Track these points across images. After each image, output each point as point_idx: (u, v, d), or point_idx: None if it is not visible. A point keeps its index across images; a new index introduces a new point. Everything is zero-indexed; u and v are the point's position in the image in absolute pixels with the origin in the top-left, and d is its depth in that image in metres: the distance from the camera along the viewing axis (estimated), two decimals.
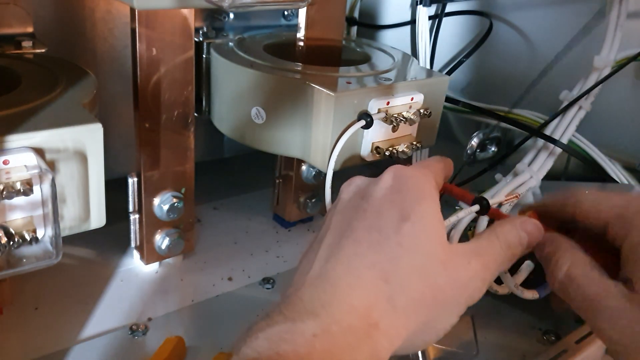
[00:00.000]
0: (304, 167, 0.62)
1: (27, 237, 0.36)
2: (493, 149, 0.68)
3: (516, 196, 0.38)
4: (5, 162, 0.35)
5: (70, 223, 0.40)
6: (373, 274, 0.28)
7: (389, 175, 0.33)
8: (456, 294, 0.30)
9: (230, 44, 0.57)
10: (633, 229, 0.30)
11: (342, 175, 0.42)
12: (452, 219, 0.36)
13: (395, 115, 0.48)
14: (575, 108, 0.56)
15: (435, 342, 0.31)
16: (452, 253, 0.30)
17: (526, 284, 0.49)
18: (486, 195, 0.53)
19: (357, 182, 0.34)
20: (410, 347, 0.31)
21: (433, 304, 0.29)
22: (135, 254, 0.56)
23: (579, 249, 0.32)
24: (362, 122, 0.47)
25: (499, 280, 0.49)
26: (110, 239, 0.58)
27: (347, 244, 0.30)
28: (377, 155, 0.50)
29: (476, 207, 0.36)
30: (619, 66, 0.55)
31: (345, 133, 0.47)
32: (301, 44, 0.59)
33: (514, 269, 0.49)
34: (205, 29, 0.59)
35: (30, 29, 0.52)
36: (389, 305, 0.28)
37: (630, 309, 0.29)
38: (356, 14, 0.75)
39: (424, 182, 0.32)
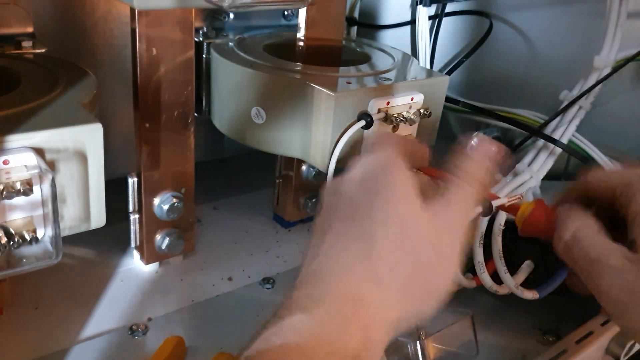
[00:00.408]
0: (304, 167, 0.62)
1: (27, 237, 0.36)
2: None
3: (518, 197, 0.38)
4: (5, 162, 0.35)
5: (70, 223, 0.40)
6: (355, 257, 0.29)
7: (353, 165, 0.34)
8: (438, 249, 0.30)
9: (230, 44, 0.57)
10: (637, 193, 0.32)
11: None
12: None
13: (395, 115, 0.48)
14: (575, 108, 0.56)
15: (441, 303, 0.31)
16: (426, 212, 0.31)
17: (526, 284, 0.49)
18: None
19: (329, 184, 0.35)
20: (414, 316, 0.31)
21: (419, 268, 0.29)
22: (135, 254, 0.56)
23: (590, 216, 0.33)
24: (362, 122, 0.47)
25: (499, 280, 0.49)
26: (110, 239, 0.58)
27: (328, 239, 0.30)
28: None
29: (479, 209, 0.36)
30: (619, 66, 0.55)
31: (346, 133, 0.47)
32: (301, 44, 0.59)
33: (514, 269, 0.49)
34: (205, 29, 0.59)
35: (30, 29, 0.52)
36: (375, 281, 0.28)
37: (630, 267, 0.30)
38: (356, 14, 0.75)
39: (387, 157, 0.33)
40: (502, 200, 0.37)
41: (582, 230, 0.32)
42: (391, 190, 0.31)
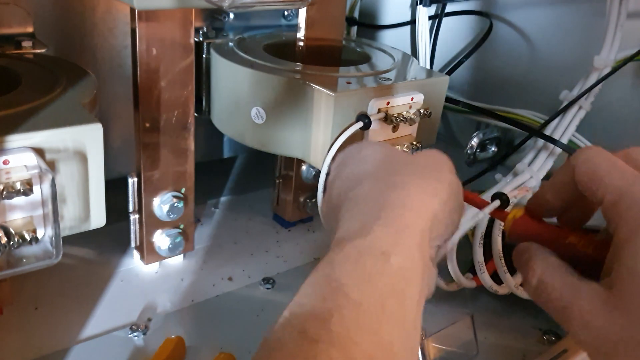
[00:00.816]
0: (304, 167, 0.62)
1: (27, 237, 0.36)
2: (493, 149, 0.68)
3: (527, 189, 0.37)
4: (5, 162, 0.35)
5: (70, 223, 0.40)
6: (369, 216, 0.30)
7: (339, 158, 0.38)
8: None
9: (230, 44, 0.57)
10: (622, 225, 0.28)
11: None
12: (471, 223, 0.37)
13: (395, 115, 0.48)
14: (575, 108, 0.56)
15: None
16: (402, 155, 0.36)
17: None
18: (486, 195, 0.53)
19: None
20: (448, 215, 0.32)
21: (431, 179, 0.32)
22: (135, 254, 0.56)
23: (552, 255, 0.32)
24: (360, 124, 0.47)
25: (499, 280, 0.49)
26: (110, 239, 0.58)
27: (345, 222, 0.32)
28: None
29: (497, 203, 0.36)
30: (619, 66, 0.55)
31: (342, 135, 0.47)
32: (301, 44, 0.59)
33: (514, 269, 0.49)
34: (205, 29, 0.59)
35: (30, 29, 0.52)
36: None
37: (603, 310, 0.27)
38: (356, 14, 0.75)
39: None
40: (514, 193, 0.37)
41: (547, 275, 0.30)
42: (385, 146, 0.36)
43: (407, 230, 0.28)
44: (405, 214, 0.29)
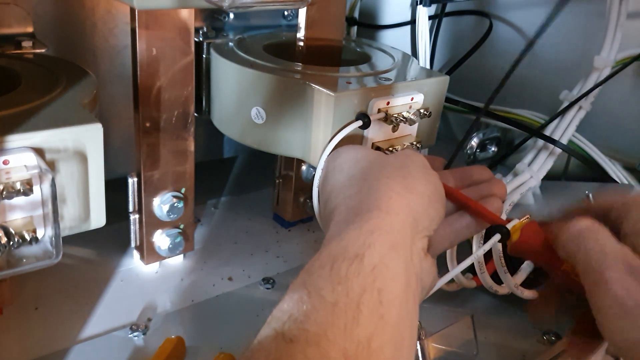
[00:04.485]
0: (304, 167, 0.62)
1: (27, 237, 0.36)
2: (493, 149, 0.68)
3: (527, 217, 0.38)
4: (5, 162, 0.35)
5: (70, 223, 0.40)
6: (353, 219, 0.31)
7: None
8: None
9: (230, 44, 0.57)
10: (632, 211, 0.33)
11: None
12: (476, 253, 0.37)
13: (395, 115, 0.48)
14: (575, 108, 0.56)
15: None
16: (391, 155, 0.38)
17: (526, 284, 0.49)
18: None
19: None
20: (429, 216, 0.33)
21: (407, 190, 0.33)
22: (135, 254, 0.56)
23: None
24: (359, 122, 0.47)
25: (499, 280, 0.49)
26: (110, 239, 0.58)
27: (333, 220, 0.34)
28: None
29: (497, 237, 0.36)
30: (621, 66, 0.55)
31: (340, 133, 0.47)
32: (301, 44, 0.59)
33: (514, 269, 0.49)
34: (205, 29, 0.59)
35: (30, 29, 0.52)
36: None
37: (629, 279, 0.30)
38: (356, 14, 0.75)
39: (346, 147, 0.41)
40: (514, 222, 0.37)
41: (590, 227, 0.33)
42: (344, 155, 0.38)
43: (380, 230, 0.29)
44: (378, 215, 0.30)
